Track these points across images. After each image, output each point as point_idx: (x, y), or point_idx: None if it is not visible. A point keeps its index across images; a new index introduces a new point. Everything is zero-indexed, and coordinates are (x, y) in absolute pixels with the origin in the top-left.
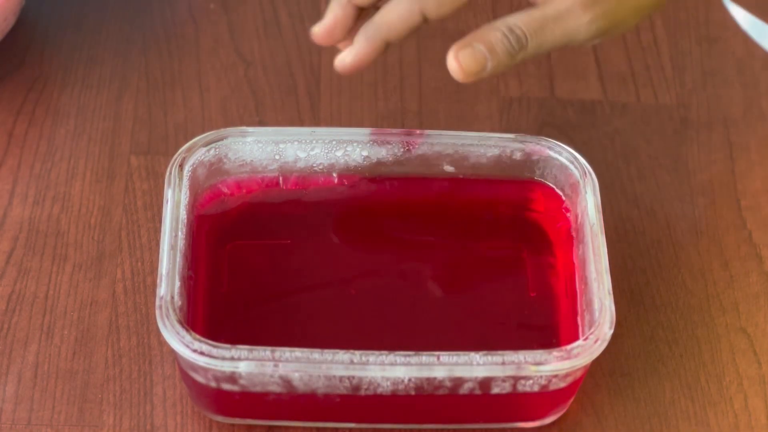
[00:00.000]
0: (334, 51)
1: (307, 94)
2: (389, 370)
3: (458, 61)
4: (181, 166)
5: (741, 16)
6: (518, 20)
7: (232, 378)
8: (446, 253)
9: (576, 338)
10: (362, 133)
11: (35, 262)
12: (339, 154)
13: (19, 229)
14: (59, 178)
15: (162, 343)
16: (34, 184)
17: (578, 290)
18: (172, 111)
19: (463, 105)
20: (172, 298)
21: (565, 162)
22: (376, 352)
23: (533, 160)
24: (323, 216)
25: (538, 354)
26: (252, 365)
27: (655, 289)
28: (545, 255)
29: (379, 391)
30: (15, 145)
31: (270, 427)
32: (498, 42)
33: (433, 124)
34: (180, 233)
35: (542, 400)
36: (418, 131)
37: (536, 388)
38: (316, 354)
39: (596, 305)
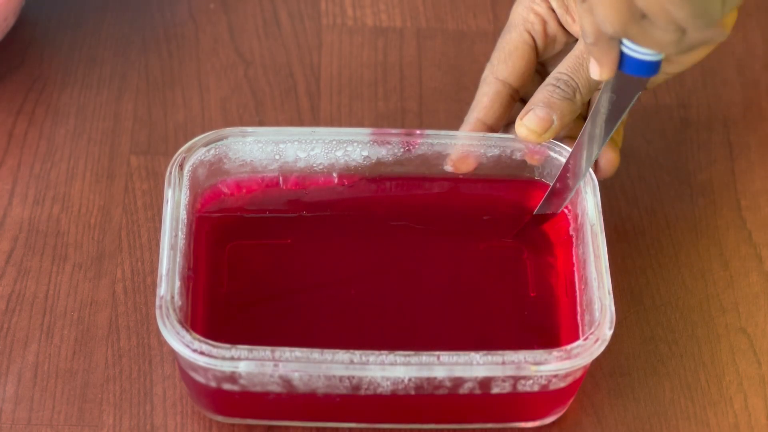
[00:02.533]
0: (334, 51)
1: (307, 94)
2: (389, 370)
3: (526, 127)
4: (181, 166)
5: None
6: (560, 67)
7: (232, 378)
8: (446, 253)
9: (576, 338)
10: (362, 133)
11: (35, 262)
12: (339, 154)
13: (19, 229)
14: (59, 178)
15: (162, 343)
16: (34, 184)
17: (578, 290)
18: (172, 111)
19: (463, 105)
20: (172, 298)
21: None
22: (376, 352)
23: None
24: (323, 216)
25: (538, 354)
26: (252, 365)
27: (654, 288)
28: (545, 255)
29: (379, 391)
30: (15, 145)
31: (270, 427)
32: (551, 94)
33: (433, 124)
34: (180, 233)
35: (542, 400)
36: (418, 131)
37: (536, 388)
38: (316, 354)
39: (596, 305)
